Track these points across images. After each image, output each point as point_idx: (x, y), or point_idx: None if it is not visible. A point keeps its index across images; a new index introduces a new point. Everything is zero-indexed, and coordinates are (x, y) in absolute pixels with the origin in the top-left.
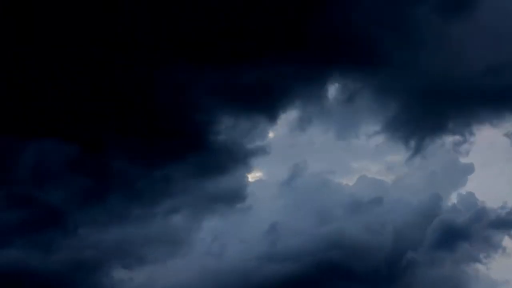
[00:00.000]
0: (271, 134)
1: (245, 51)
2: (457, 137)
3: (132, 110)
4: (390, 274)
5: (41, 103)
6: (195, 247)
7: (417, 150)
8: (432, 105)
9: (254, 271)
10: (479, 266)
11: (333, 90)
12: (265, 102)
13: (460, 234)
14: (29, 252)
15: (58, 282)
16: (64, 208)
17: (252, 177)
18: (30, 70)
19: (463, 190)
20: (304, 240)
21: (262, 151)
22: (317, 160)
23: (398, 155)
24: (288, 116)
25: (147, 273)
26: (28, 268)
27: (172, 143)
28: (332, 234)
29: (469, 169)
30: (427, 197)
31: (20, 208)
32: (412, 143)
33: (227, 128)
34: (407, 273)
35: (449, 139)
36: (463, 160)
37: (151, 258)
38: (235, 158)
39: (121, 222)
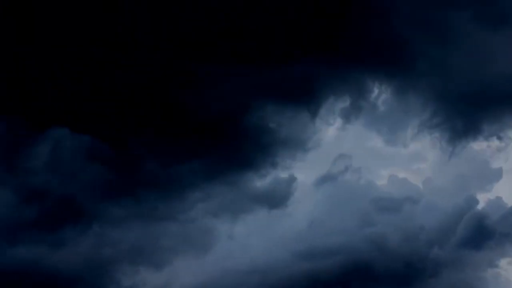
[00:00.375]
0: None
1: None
2: (488, 142)
3: (154, 107)
4: (416, 275)
5: (46, 102)
6: (223, 245)
7: (448, 152)
8: (465, 108)
9: (280, 269)
10: (500, 270)
11: (368, 91)
12: (300, 99)
13: (486, 237)
14: (46, 250)
15: (73, 281)
16: (82, 204)
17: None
18: (30, 70)
19: (491, 194)
20: (337, 240)
21: (300, 147)
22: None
23: (429, 157)
24: (326, 114)
25: (168, 273)
26: (43, 266)
27: (204, 139)
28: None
29: (497, 173)
30: (458, 200)
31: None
32: (444, 146)
33: (260, 121)
34: (433, 274)
35: (480, 143)
36: (493, 164)
37: (172, 258)
38: (267, 154)
39: (143, 220)
